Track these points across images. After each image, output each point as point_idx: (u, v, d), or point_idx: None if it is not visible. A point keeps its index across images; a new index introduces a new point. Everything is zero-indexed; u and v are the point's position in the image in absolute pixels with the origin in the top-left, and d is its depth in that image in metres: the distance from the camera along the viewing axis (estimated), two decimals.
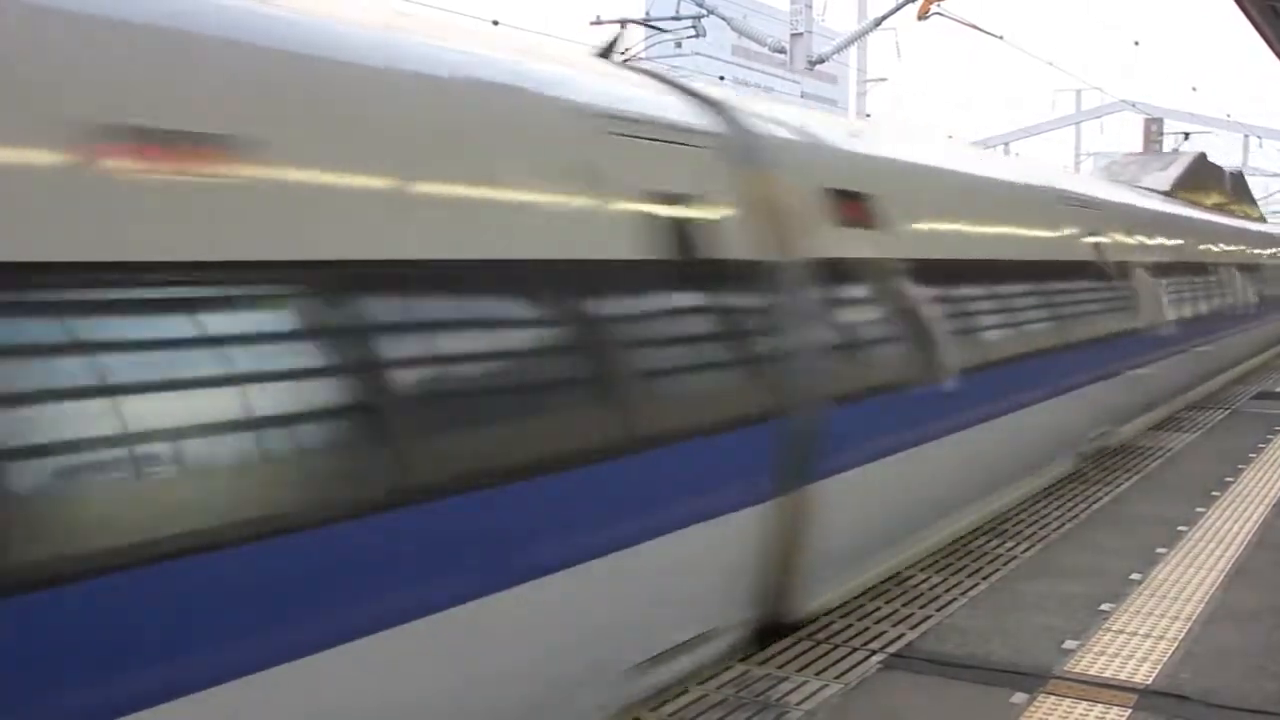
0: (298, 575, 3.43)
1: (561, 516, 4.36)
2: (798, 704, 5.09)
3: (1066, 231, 10.73)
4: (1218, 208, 21.09)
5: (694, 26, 23.45)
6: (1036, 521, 8.49)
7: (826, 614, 6.22)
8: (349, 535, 3.55)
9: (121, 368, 3.12)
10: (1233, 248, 19.31)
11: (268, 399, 3.43)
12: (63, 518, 2.93)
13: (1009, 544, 7.83)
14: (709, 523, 5.12)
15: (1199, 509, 8.73)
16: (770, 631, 5.83)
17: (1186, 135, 36.88)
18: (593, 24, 25.47)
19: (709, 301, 5.35)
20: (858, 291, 6.63)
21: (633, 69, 6.44)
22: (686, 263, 5.24)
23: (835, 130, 7.85)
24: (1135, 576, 6.93)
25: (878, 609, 6.37)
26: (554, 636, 4.38)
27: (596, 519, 4.54)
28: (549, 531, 4.31)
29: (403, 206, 4.00)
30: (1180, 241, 15.43)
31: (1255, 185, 60.95)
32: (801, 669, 5.50)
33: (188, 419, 3.20)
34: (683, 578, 5.10)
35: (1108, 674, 5.41)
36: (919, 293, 7.14)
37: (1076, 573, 7.05)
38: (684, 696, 5.11)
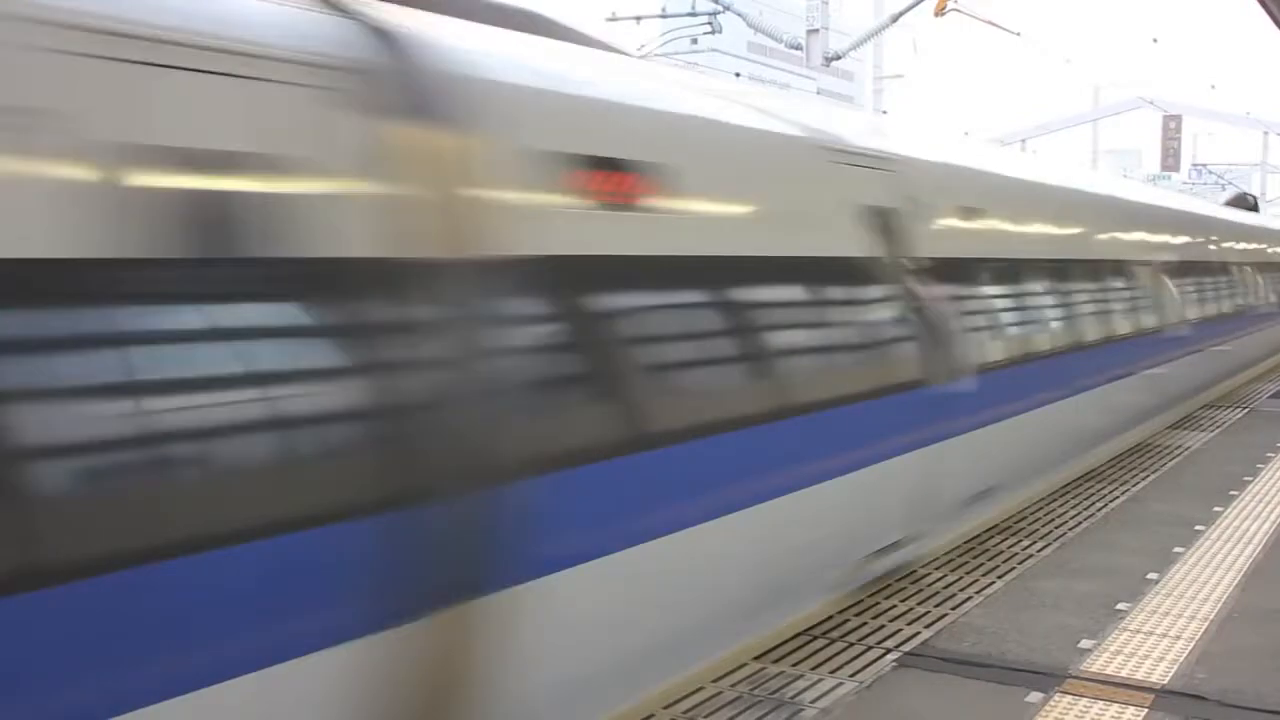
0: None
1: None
2: (812, 702, 5.08)
3: None
4: None
5: (710, 23, 23.42)
6: (1053, 520, 8.46)
7: (841, 612, 6.21)
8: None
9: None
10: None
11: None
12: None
13: (1025, 542, 7.80)
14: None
15: (1217, 508, 8.69)
16: None
17: None
18: (608, 20, 25.47)
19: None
20: None
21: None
22: None
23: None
24: (1152, 576, 6.90)
25: (893, 607, 6.36)
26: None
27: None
28: None
29: None
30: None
31: (1276, 184, 60.51)
32: (816, 667, 5.49)
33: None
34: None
35: (1124, 673, 5.38)
36: None
37: (1093, 572, 7.02)
38: (699, 693, 5.10)
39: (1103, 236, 11.10)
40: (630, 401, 4.37)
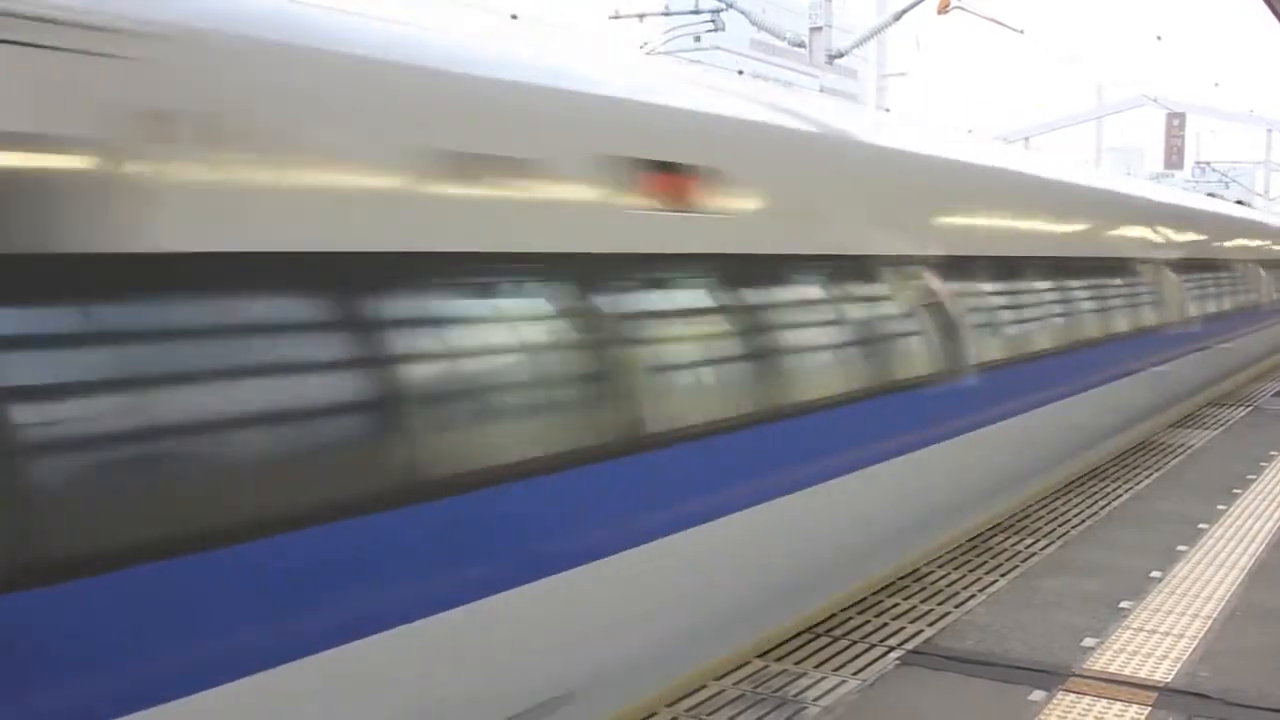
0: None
1: None
2: (815, 700, 5.08)
3: None
4: None
5: (713, 20, 23.39)
6: (1056, 519, 8.45)
7: (843, 610, 6.21)
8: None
9: None
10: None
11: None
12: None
13: (1028, 541, 7.80)
14: None
15: (1220, 506, 8.68)
16: None
17: None
18: (612, 18, 25.44)
19: None
20: None
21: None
22: None
23: None
24: (1155, 574, 6.90)
25: (896, 605, 6.36)
26: None
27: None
28: None
29: None
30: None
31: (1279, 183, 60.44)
32: (819, 665, 5.49)
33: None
34: None
35: (1127, 672, 5.38)
36: None
37: (1096, 570, 7.01)
38: (701, 692, 5.11)
39: None
40: None
